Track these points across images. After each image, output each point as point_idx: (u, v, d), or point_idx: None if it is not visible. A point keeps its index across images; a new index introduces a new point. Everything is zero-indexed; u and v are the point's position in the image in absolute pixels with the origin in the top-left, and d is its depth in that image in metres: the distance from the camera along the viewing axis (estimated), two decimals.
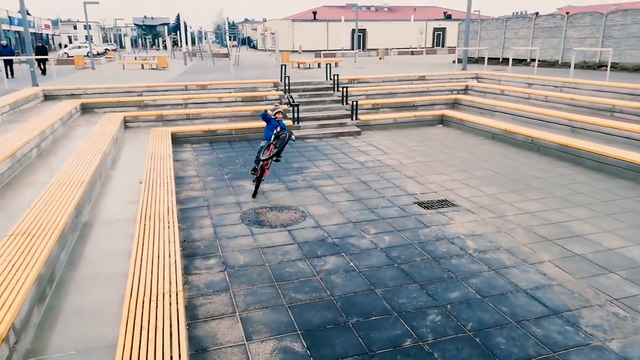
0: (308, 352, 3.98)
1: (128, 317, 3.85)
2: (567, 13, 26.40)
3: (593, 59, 21.87)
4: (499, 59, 27.12)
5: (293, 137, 8.22)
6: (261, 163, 7.98)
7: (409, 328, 4.31)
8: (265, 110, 8.35)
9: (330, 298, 4.85)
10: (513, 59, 22.55)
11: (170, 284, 4.40)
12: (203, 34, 64.06)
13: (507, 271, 5.38)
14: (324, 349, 4.02)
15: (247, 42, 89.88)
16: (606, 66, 18.02)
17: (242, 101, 15.02)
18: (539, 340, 4.11)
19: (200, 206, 7.66)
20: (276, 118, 8.24)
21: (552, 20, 24.62)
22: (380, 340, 4.13)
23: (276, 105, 8.72)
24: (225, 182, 9.02)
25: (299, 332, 4.26)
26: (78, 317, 4.12)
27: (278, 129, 8.13)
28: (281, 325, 4.37)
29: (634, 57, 20.20)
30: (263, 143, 8.17)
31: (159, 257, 4.96)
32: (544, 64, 23.75)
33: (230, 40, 57.97)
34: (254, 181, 8.21)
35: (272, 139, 8.03)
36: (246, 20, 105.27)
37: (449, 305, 4.69)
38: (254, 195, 8.10)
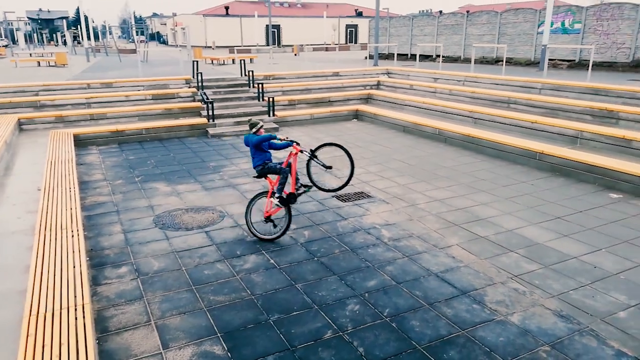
0: (229, 354, 3.91)
1: (28, 335, 3.54)
2: (468, 11, 28.24)
3: (491, 54, 23.60)
4: (407, 55, 28.36)
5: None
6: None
7: (329, 320, 4.38)
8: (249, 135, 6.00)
9: (250, 297, 4.79)
10: (420, 55, 23.74)
11: (75, 296, 4.10)
12: (107, 28, 60.27)
13: (419, 257, 5.66)
14: (245, 349, 3.97)
15: (157, 37, 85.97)
16: (502, 61, 19.54)
17: (152, 99, 14.35)
18: (450, 320, 4.37)
19: (108, 212, 7.20)
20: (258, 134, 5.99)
21: (453, 18, 26.18)
22: (301, 335, 4.16)
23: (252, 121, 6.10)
24: (136, 184, 8.57)
25: (219, 334, 4.17)
26: None
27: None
28: (200, 330, 4.24)
29: (526, 52, 22.09)
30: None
31: (62, 269, 4.60)
32: (448, 59, 25.25)
33: (137, 35, 55.02)
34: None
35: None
36: (155, 15, 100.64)
37: (367, 294, 4.83)
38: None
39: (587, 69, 15.73)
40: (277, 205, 5.99)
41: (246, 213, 6.21)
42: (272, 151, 6.13)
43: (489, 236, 6.24)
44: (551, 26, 19.43)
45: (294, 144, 5.94)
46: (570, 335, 4.14)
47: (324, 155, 6.09)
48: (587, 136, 10.26)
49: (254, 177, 6.17)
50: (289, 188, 6.00)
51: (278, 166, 5.96)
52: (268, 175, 6.08)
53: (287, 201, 5.97)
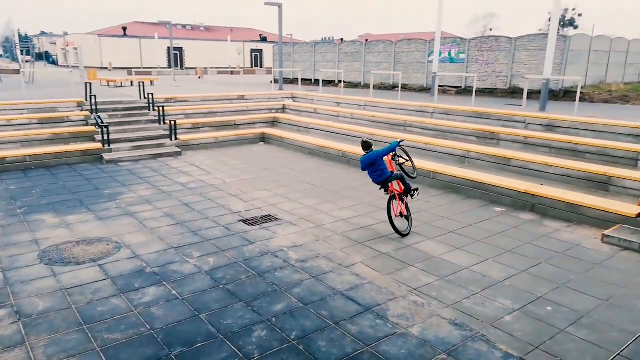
0: None
1: None
2: (366, 40, 29.86)
3: (388, 80, 25.09)
4: (311, 80, 29.18)
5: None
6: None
7: (235, 349, 4.26)
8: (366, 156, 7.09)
9: (150, 332, 4.51)
10: (323, 80, 24.54)
11: None
12: None
13: (325, 277, 5.74)
14: None
15: (45, 57, 79.62)
16: (398, 87, 20.84)
17: (38, 123, 13.18)
18: (355, 337, 4.46)
19: None
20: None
21: (353, 46, 27.53)
22: None
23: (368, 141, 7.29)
24: (18, 217, 7.75)
25: None
26: None
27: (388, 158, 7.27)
28: None
29: (419, 79, 23.80)
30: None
31: None
32: (349, 85, 26.38)
33: (23, 54, 50.58)
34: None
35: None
36: (43, 34, 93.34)
37: (274, 319, 4.78)
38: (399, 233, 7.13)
39: (472, 95, 17.31)
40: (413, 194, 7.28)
41: (390, 218, 7.06)
42: None
43: (390, 252, 6.52)
44: (440, 56, 21.20)
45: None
46: (464, 342, 4.42)
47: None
48: (473, 156, 11.24)
49: (381, 189, 7.23)
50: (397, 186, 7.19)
51: (394, 174, 7.07)
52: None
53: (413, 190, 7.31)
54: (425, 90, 22.79)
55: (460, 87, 22.01)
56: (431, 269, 6.01)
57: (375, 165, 6.96)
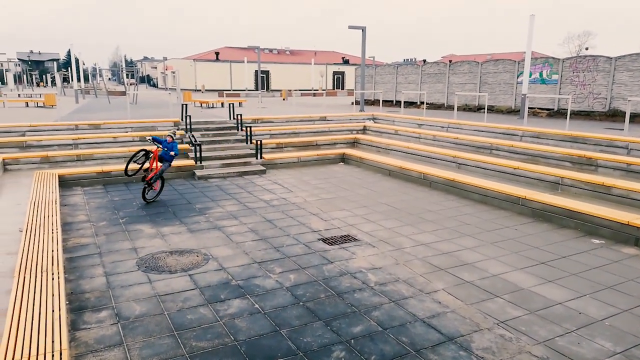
0: None
1: None
2: (450, 61, 29.34)
3: (473, 102, 24.37)
4: (392, 101, 29.14)
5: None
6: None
7: None
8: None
9: (234, 343, 4.69)
10: (405, 102, 24.39)
11: (53, 342, 3.98)
12: (98, 70, 60.97)
13: (405, 302, 5.62)
14: None
15: (147, 80, 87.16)
16: (484, 109, 20.18)
17: (140, 140, 14.39)
18: None
19: (91, 254, 7.08)
20: (167, 141, 10.27)
21: (436, 67, 27.16)
22: None
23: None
24: (120, 226, 8.47)
25: None
26: None
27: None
28: None
29: (506, 100, 22.87)
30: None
31: (40, 313, 4.47)
32: (431, 106, 25.97)
33: (128, 78, 55.72)
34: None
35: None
36: (145, 59, 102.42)
37: (352, 340, 4.76)
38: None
39: (566, 118, 16.29)
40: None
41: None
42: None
43: (475, 281, 6.25)
44: (530, 76, 20.25)
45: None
46: None
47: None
48: (568, 182, 10.51)
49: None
50: None
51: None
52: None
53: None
54: (514, 112, 21.81)
55: (552, 109, 20.80)
56: (520, 301, 5.67)
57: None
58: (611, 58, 18.82)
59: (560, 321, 5.19)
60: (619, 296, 5.83)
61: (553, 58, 21.53)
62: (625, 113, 14.72)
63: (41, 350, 3.85)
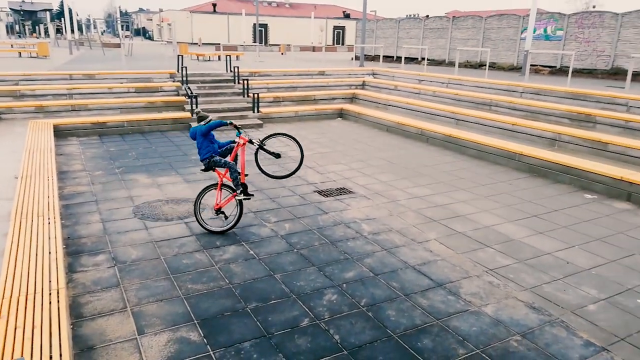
0: (205, 340, 3.91)
1: (0, 317, 3.49)
2: (453, 16, 28.57)
3: (475, 58, 23.93)
4: (393, 57, 28.59)
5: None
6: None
7: (306, 309, 4.41)
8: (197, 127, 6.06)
9: (229, 286, 4.80)
10: (405, 57, 23.94)
11: (50, 281, 4.06)
12: (92, 22, 59.41)
13: (397, 250, 5.72)
14: (221, 335, 3.97)
15: (142, 32, 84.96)
16: (485, 65, 19.84)
17: (135, 92, 14.20)
18: (425, 310, 4.44)
19: (87, 201, 7.12)
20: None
21: (439, 21, 26.47)
22: (278, 323, 4.18)
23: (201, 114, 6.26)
24: (116, 175, 8.48)
25: (195, 321, 4.16)
26: None
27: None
28: (177, 317, 4.23)
29: (509, 57, 22.45)
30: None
31: (37, 255, 4.55)
32: (433, 62, 25.51)
33: (123, 30, 54.29)
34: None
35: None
36: (141, 10, 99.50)
37: (344, 285, 4.87)
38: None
39: (567, 75, 16.06)
40: (244, 198, 5.99)
41: (195, 206, 6.07)
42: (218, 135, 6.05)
43: (467, 232, 6.34)
44: (534, 32, 19.79)
45: (241, 134, 5.97)
46: (541, 326, 4.24)
47: (276, 145, 6.27)
48: (565, 139, 10.48)
49: (202, 170, 6.11)
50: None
51: (222, 161, 5.94)
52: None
53: (245, 192, 6.00)
54: (516, 69, 21.46)
55: (555, 66, 20.47)
56: (510, 251, 5.77)
57: (196, 141, 6.01)
58: (618, 14, 18.34)
59: (548, 270, 5.31)
60: (607, 247, 5.93)
61: (559, 13, 20.95)
62: (627, 71, 14.50)
63: (38, 289, 3.94)
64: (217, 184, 6.05)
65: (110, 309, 4.33)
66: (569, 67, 16.39)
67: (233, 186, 5.99)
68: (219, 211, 6.06)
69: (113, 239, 5.85)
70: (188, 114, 13.06)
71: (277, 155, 6.10)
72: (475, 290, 4.84)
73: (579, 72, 19.01)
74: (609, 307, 4.57)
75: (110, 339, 3.88)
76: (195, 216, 6.09)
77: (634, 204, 7.54)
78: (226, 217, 6.05)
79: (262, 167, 6.32)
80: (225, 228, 6.05)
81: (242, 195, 5.97)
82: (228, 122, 6.02)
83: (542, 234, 6.33)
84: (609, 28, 18.50)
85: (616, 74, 18.21)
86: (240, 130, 6.06)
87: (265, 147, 6.11)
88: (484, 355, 3.81)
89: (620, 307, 4.59)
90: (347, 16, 70.30)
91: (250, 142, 6.02)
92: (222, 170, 6.04)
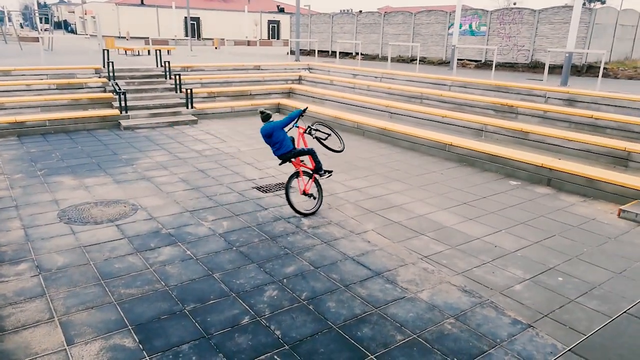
0: (140, 345, 3.76)
1: None
2: (385, 12, 29.23)
3: (406, 53, 24.64)
4: (328, 51, 28.80)
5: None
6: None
7: (246, 306, 4.36)
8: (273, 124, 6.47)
9: (165, 289, 4.64)
10: (340, 52, 24.20)
11: None
12: (7, 14, 54.89)
13: (337, 242, 5.80)
14: (158, 340, 3.84)
15: (64, 26, 79.78)
16: (417, 60, 20.49)
17: (57, 89, 13.31)
18: (364, 300, 4.53)
19: (6, 207, 6.61)
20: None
21: (371, 17, 26.98)
22: (218, 323, 4.10)
23: (266, 112, 6.67)
24: (38, 178, 7.93)
25: (130, 327, 3.99)
26: None
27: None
28: (109, 324, 4.04)
29: (438, 52, 23.33)
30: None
31: None
32: (366, 57, 25.99)
33: (41, 22, 50.70)
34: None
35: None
36: (61, 1, 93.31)
37: (285, 280, 4.87)
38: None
39: (491, 69, 16.95)
40: (328, 176, 6.76)
41: (287, 195, 6.61)
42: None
43: (402, 221, 6.54)
44: (460, 28, 20.69)
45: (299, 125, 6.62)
46: (472, 308, 4.46)
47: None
48: (491, 129, 11.08)
49: (280, 164, 6.69)
50: (309, 163, 6.74)
51: (305, 149, 6.61)
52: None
53: (327, 171, 6.76)
54: (444, 63, 22.35)
55: (480, 60, 21.53)
56: (443, 238, 6.03)
57: (273, 137, 6.36)
58: (535, 11, 19.59)
59: (478, 254, 5.60)
60: (530, 230, 6.35)
61: (482, 10, 22.03)
62: (545, 65, 15.54)
63: None
64: (297, 172, 6.67)
65: (36, 320, 4.05)
66: (492, 61, 17.30)
67: (315, 170, 6.66)
68: (306, 194, 6.75)
69: (36, 245, 5.47)
70: (116, 112, 12.45)
71: (328, 135, 6.96)
72: (411, 277, 5.01)
73: (502, 66, 20.12)
74: (533, 286, 4.90)
75: (37, 352, 3.64)
76: (289, 203, 6.60)
77: (553, 188, 8.12)
78: (315, 198, 6.79)
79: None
80: (315, 208, 6.74)
81: (327, 174, 6.71)
82: (303, 109, 6.71)
83: (472, 220, 6.66)
84: (528, 24, 19.72)
85: (535, 67, 19.45)
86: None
87: (316, 132, 6.85)
88: (421, 340, 3.96)
89: (543, 285, 4.93)
90: (281, 10, 69.86)
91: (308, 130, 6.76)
92: (295, 160, 6.64)
